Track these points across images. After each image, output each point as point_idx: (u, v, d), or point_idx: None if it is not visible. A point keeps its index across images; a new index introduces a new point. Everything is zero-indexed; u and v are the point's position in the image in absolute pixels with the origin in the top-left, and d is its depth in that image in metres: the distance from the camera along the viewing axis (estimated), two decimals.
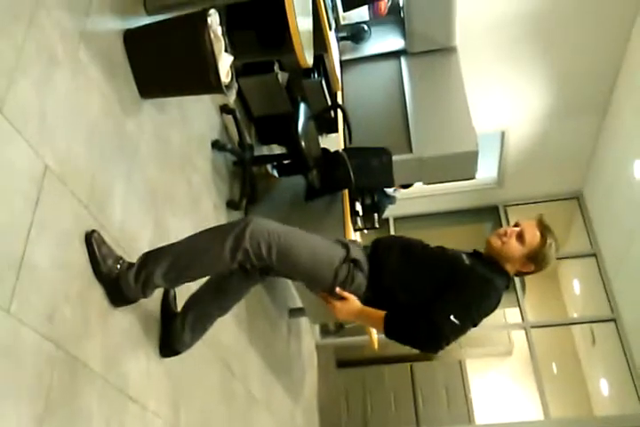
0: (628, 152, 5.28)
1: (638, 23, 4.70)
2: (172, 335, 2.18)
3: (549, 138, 5.87)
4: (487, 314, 1.95)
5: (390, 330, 1.89)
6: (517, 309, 6.27)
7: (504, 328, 7.50)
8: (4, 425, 1.36)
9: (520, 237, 2.01)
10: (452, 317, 1.82)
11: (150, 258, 1.92)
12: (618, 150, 5.55)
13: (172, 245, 1.97)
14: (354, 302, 1.96)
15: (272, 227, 1.93)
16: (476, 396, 7.05)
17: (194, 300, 2.21)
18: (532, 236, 2.01)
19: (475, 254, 2.11)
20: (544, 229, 2.04)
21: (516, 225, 2.06)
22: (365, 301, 1.98)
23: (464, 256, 2.04)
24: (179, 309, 2.26)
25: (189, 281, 2.04)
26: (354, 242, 2.19)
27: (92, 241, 1.81)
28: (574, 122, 5.73)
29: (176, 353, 2.21)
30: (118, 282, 1.85)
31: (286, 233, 1.94)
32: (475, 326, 1.91)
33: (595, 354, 7.15)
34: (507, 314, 7.36)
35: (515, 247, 2.01)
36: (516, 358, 7.69)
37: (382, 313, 1.92)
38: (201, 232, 1.99)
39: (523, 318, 6.21)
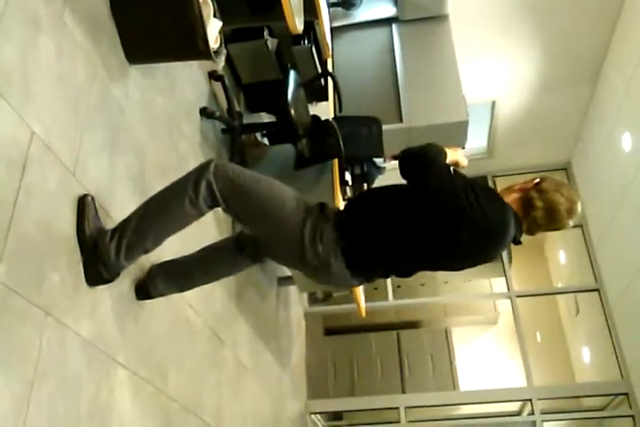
0: (617, 124, 5.28)
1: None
2: (148, 282, 2.15)
3: (539, 109, 5.85)
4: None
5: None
6: (503, 278, 6.35)
7: (490, 297, 7.61)
8: None
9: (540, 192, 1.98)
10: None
11: (124, 219, 1.88)
12: (607, 122, 5.55)
13: (141, 205, 1.92)
14: None
15: (236, 166, 1.90)
16: (461, 363, 7.19)
17: (182, 262, 2.21)
18: (550, 191, 1.97)
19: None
20: (560, 185, 2.00)
21: (533, 180, 2.02)
22: (343, 249, 1.86)
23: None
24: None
25: (162, 232, 1.88)
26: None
27: (84, 203, 1.81)
28: (565, 93, 5.71)
29: (149, 297, 2.17)
30: (97, 249, 1.80)
31: (251, 173, 1.90)
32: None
33: (578, 323, 7.28)
34: (493, 283, 7.47)
35: (533, 202, 1.97)
36: (501, 326, 7.82)
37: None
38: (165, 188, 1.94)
39: (508, 288, 6.29)
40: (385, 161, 4.58)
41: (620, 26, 4.93)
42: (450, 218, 1.86)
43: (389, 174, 4.90)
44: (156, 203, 1.89)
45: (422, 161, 1.94)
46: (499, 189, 2.08)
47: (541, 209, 1.96)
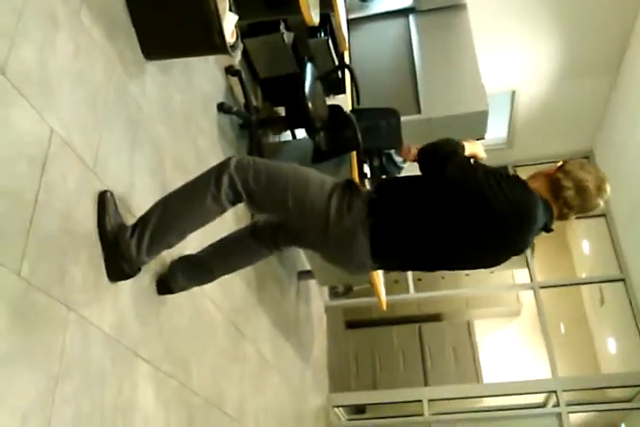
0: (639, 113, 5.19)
1: None
2: (169, 277, 2.16)
3: (560, 97, 5.77)
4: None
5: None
6: (526, 269, 6.29)
7: (512, 288, 7.55)
8: (20, 386, 1.39)
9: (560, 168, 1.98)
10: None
11: (145, 215, 1.88)
12: (629, 110, 5.45)
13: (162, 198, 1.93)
14: None
15: (257, 158, 1.91)
16: (484, 356, 7.15)
17: (201, 256, 2.22)
18: (579, 175, 1.94)
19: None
20: (590, 168, 1.98)
21: (564, 164, 2.00)
22: (370, 226, 1.85)
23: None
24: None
25: (184, 229, 1.89)
26: None
27: (104, 199, 1.82)
28: (586, 81, 5.62)
29: (170, 292, 2.18)
30: (118, 245, 1.80)
31: (272, 162, 1.91)
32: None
33: (603, 314, 7.20)
34: (515, 274, 7.40)
35: (563, 186, 1.95)
36: (524, 318, 7.76)
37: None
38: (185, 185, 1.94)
39: (531, 279, 6.23)
40: (405, 162, 4.55)
41: None
42: (474, 206, 1.84)
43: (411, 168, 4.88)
44: (177, 199, 1.89)
45: (441, 154, 1.93)
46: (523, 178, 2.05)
47: (571, 189, 1.92)
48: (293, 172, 1.89)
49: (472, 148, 2.05)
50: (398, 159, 4.46)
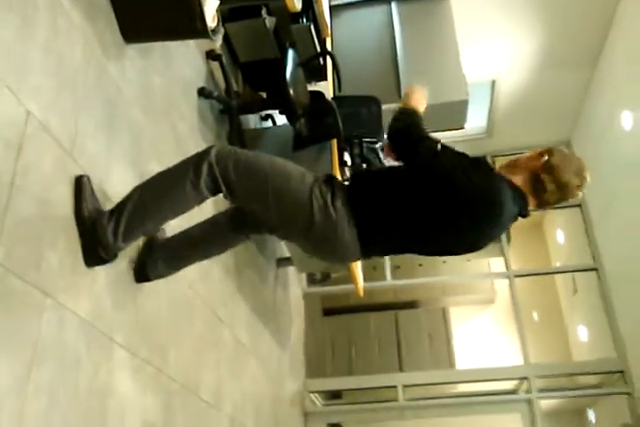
0: (617, 103, 5.25)
1: None
2: (149, 264, 2.14)
3: (540, 88, 5.81)
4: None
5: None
6: (502, 258, 6.37)
7: (488, 277, 7.64)
8: None
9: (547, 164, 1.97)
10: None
11: (122, 201, 1.87)
12: (607, 101, 5.51)
13: (139, 185, 1.92)
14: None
15: (237, 148, 1.90)
16: (459, 342, 7.25)
17: (178, 240, 2.20)
18: (562, 163, 1.95)
19: None
20: (574, 158, 2.00)
21: (545, 150, 2.00)
22: (355, 217, 1.85)
23: None
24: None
25: (162, 215, 1.89)
26: None
27: (81, 184, 1.80)
28: (565, 72, 5.67)
29: (147, 280, 2.17)
30: (95, 230, 1.79)
31: (253, 153, 1.91)
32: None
33: (575, 302, 7.33)
34: (491, 263, 7.49)
35: (533, 155, 2.00)
36: (498, 305, 7.87)
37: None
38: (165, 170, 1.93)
39: (507, 267, 6.32)
40: (387, 159, 4.58)
41: (624, 2, 4.87)
42: (443, 189, 1.85)
43: None
44: (156, 186, 1.88)
45: (413, 137, 1.94)
46: (500, 165, 2.06)
47: (554, 191, 1.94)
48: (274, 164, 1.88)
49: (417, 99, 2.08)
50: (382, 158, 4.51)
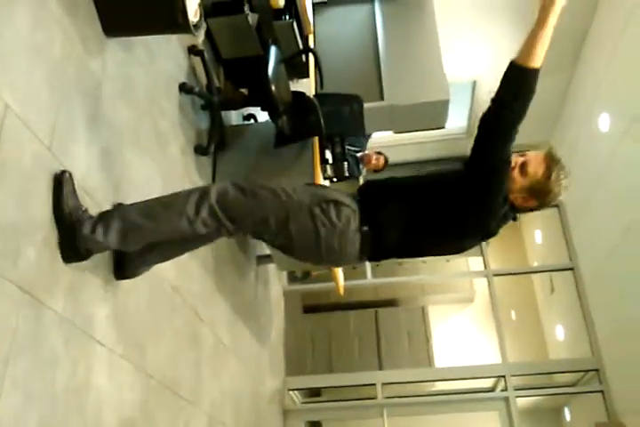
0: (595, 105, 5.32)
1: None
2: (127, 261, 2.12)
3: None
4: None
5: None
6: (480, 257, 6.42)
7: (467, 276, 7.70)
8: None
9: (523, 168, 1.89)
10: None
11: (112, 213, 1.87)
12: (585, 103, 5.58)
13: (137, 203, 1.93)
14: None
15: (237, 186, 1.90)
16: (438, 341, 7.30)
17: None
18: (536, 168, 1.88)
19: None
20: (552, 162, 1.90)
21: (523, 155, 1.92)
22: (366, 236, 1.88)
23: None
24: None
25: (145, 239, 1.91)
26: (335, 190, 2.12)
27: (62, 180, 1.77)
28: (545, 73, 5.50)
29: (125, 277, 2.16)
30: (74, 227, 1.78)
31: (252, 186, 1.91)
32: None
33: (552, 302, 7.41)
34: (470, 262, 7.55)
35: (516, 179, 1.88)
36: (477, 304, 7.93)
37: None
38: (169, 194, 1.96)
39: (485, 266, 6.37)
40: (364, 168, 4.62)
41: (601, 7, 4.94)
42: (476, 205, 1.88)
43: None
44: (150, 214, 1.87)
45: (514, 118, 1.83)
46: None
47: (539, 207, 1.97)
48: (272, 195, 1.88)
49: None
50: (361, 166, 4.57)
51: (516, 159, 1.90)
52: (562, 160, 1.92)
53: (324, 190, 1.98)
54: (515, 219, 1.99)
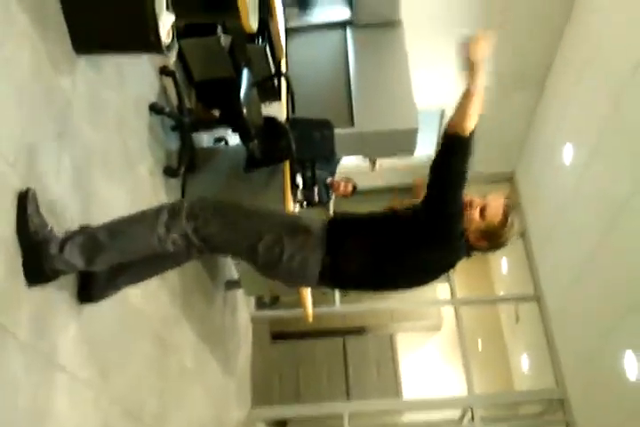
0: (560, 136, 5.45)
1: (576, 6, 4.81)
2: (93, 284, 2.06)
3: (486, 119, 5.84)
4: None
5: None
6: (447, 285, 6.43)
7: (435, 304, 7.70)
8: None
9: (482, 211, 1.97)
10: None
11: (80, 233, 1.82)
12: (550, 134, 5.72)
13: (104, 224, 1.89)
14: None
15: (207, 207, 1.89)
16: (405, 370, 7.24)
17: (125, 264, 2.11)
18: (495, 213, 1.96)
19: None
20: (509, 211, 1.99)
21: (483, 198, 2.01)
22: (324, 265, 1.90)
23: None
24: None
25: (113, 259, 1.89)
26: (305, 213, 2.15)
27: (26, 198, 1.71)
28: (511, 104, 5.86)
29: (91, 300, 2.09)
30: (41, 247, 1.72)
31: (222, 205, 1.92)
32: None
33: (518, 331, 7.44)
34: (437, 290, 7.56)
35: (475, 220, 1.96)
36: (444, 333, 7.92)
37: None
38: (137, 212, 1.93)
39: (452, 295, 6.37)
40: (332, 194, 4.64)
41: (566, 37, 5.09)
42: (434, 246, 1.95)
43: None
44: (118, 232, 1.84)
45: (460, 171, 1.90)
46: None
47: (488, 248, 2.04)
48: (244, 217, 1.90)
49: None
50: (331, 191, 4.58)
51: (476, 201, 1.99)
52: (515, 209, 2.04)
53: (295, 217, 2.02)
54: (469, 255, 2.04)
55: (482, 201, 1.99)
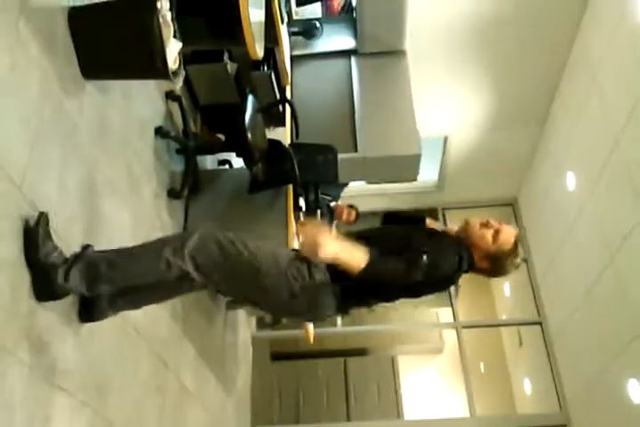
0: (562, 164, 5.49)
1: (578, 39, 4.90)
2: (95, 304, 2.08)
3: (490, 146, 6.03)
4: (446, 272, 1.98)
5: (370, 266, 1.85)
6: (450, 308, 6.42)
7: (437, 327, 7.68)
8: None
9: (497, 234, 2.03)
10: (424, 256, 1.88)
11: (84, 260, 1.85)
12: (553, 162, 5.75)
13: (111, 251, 1.94)
14: (324, 226, 1.85)
15: (215, 240, 1.90)
16: (407, 392, 7.20)
17: (129, 286, 2.16)
18: (507, 240, 2.03)
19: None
20: (519, 242, 2.07)
21: (499, 222, 2.07)
22: (336, 294, 1.95)
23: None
24: None
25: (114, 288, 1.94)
26: None
27: (40, 222, 1.77)
28: (514, 131, 5.91)
29: (91, 320, 2.12)
30: (49, 273, 1.77)
31: (225, 242, 1.91)
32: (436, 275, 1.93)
33: (520, 355, 7.41)
34: (439, 313, 7.55)
35: (487, 239, 2.02)
36: (446, 356, 7.88)
37: (362, 249, 1.86)
38: (143, 243, 1.97)
39: (455, 318, 6.37)
40: (336, 219, 4.70)
41: (568, 69, 5.17)
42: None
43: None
44: (117, 263, 1.87)
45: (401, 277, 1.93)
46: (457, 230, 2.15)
47: (487, 272, 2.10)
48: (247, 255, 1.90)
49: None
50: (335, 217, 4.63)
51: (493, 224, 2.05)
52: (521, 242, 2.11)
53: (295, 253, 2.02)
54: (466, 271, 2.07)
55: (498, 225, 2.05)
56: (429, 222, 2.26)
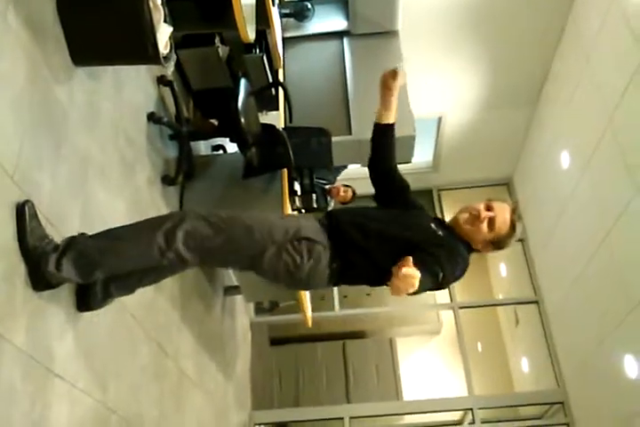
0: (556, 143, 5.48)
1: (571, 18, 4.86)
2: (90, 292, 2.07)
3: (484, 125, 6.02)
4: (455, 276, 1.97)
5: None
6: (446, 289, 6.45)
7: (433, 308, 7.71)
8: None
9: (491, 223, 2.01)
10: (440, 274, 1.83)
11: (76, 246, 1.82)
12: (547, 141, 5.75)
13: (101, 234, 1.91)
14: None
15: (205, 216, 1.89)
16: (405, 373, 7.26)
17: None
18: (503, 224, 2.02)
19: (440, 222, 2.11)
20: (516, 219, 2.05)
21: (489, 207, 2.03)
22: (334, 271, 1.93)
23: (432, 225, 2.05)
24: None
25: (113, 273, 1.93)
26: (305, 217, 2.12)
27: (24, 211, 1.74)
28: (508, 111, 5.90)
29: (89, 309, 2.11)
30: (40, 262, 1.76)
31: (220, 218, 1.90)
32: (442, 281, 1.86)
33: (517, 334, 7.46)
34: (436, 294, 7.57)
35: (483, 232, 2.01)
36: (443, 336, 7.93)
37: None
38: (132, 224, 1.94)
39: (451, 299, 6.40)
40: (332, 200, 4.68)
41: (561, 48, 5.14)
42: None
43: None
44: (114, 245, 1.86)
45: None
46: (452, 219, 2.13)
47: (493, 250, 2.12)
48: (245, 231, 1.88)
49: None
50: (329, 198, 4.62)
51: (484, 213, 2.01)
52: (520, 214, 2.09)
53: (298, 226, 1.97)
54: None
55: (488, 213, 2.01)
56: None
